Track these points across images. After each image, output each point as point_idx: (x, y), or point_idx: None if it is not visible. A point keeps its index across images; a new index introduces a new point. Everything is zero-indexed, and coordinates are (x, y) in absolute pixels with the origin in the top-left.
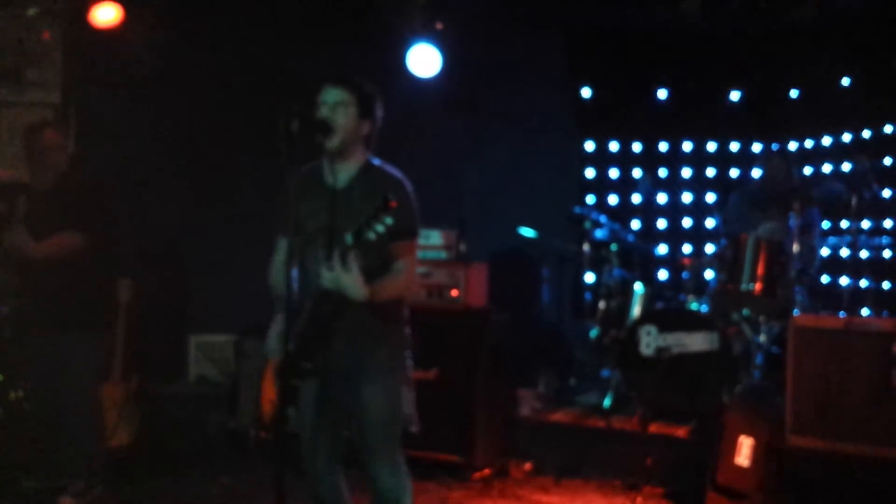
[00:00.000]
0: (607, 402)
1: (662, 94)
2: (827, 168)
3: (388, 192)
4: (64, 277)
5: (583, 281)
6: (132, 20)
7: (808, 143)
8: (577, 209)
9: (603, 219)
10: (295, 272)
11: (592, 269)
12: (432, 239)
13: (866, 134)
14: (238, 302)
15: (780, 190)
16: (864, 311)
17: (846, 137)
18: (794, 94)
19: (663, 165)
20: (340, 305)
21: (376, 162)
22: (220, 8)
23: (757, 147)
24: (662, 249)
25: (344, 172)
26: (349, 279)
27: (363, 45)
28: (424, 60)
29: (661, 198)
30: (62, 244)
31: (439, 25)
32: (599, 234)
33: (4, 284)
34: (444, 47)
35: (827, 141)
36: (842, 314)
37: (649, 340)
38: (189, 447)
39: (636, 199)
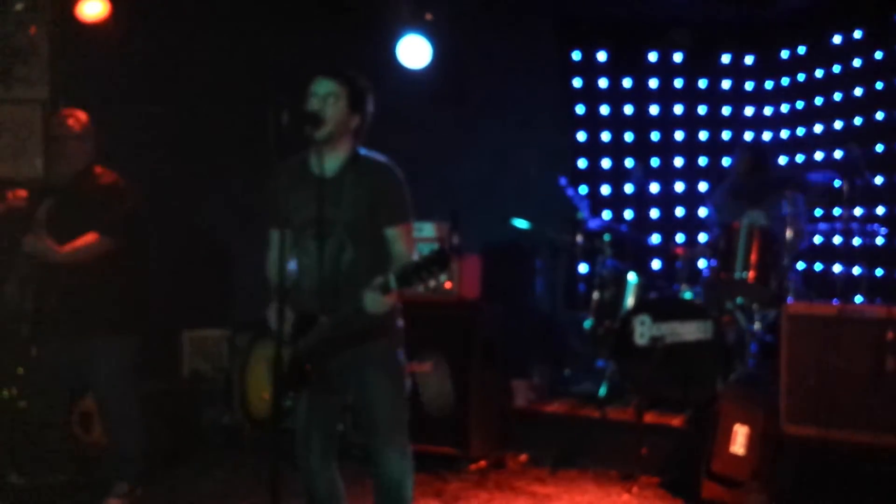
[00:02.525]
0: (602, 392)
1: (654, 83)
2: (819, 156)
3: (379, 178)
4: (89, 280)
5: (576, 271)
6: (119, 14)
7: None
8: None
9: (585, 211)
10: (293, 264)
11: (586, 260)
12: (425, 231)
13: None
14: (231, 297)
15: (754, 180)
16: (858, 299)
17: (837, 125)
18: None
19: (655, 155)
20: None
21: (363, 152)
22: (208, 0)
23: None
24: (655, 239)
25: (332, 162)
26: (385, 306)
27: (352, 36)
28: (414, 52)
29: (654, 187)
30: (87, 247)
31: (429, 16)
32: (593, 224)
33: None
34: (434, 38)
35: (818, 128)
36: (835, 302)
37: (643, 330)
38: (183, 442)
39: (628, 188)
